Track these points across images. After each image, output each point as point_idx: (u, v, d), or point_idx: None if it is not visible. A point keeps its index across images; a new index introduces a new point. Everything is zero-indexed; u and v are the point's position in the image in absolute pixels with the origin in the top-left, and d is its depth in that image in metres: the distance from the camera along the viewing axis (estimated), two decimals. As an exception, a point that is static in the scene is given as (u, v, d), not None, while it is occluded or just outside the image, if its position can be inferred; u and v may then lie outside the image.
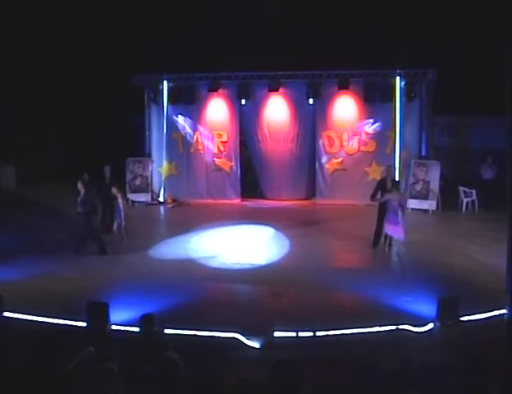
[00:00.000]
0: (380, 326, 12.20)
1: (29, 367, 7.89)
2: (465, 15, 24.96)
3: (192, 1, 27.24)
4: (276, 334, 11.99)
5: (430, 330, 12.34)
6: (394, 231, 17.76)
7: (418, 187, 24.32)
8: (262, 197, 27.45)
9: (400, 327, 12.28)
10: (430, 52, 24.29)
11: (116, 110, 28.48)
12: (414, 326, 12.34)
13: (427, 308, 12.96)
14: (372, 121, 25.46)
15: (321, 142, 25.97)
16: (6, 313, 12.56)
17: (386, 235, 18.37)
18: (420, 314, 12.87)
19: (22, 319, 12.81)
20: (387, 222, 17.93)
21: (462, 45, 25.01)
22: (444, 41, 25.00)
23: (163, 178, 27.28)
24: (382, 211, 18.39)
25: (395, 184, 19.01)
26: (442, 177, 24.27)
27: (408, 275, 16.43)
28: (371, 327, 12.16)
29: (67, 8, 26.12)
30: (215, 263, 17.50)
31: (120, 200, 18.50)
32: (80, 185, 18.16)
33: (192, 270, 16.83)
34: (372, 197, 18.81)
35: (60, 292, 14.59)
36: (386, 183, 18.84)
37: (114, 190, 18.66)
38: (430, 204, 24.01)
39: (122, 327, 12.35)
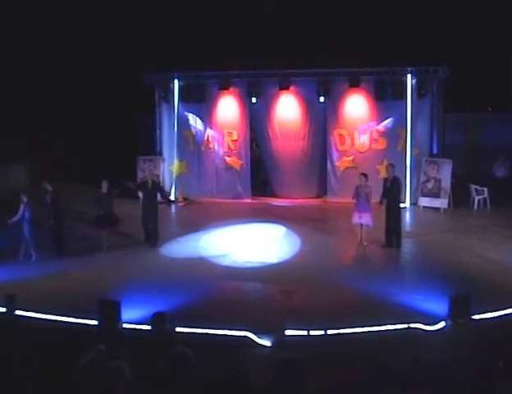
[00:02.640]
0: (391, 324, 12.17)
1: (40, 365, 7.91)
2: (476, 12, 24.93)
3: (202, 0, 27.30)
4: (288, 332, 11.98)
5: (441, 328, 12.30)
6: (365, 218, 18.40)
7: (430, 185, 24.26)
8: (273, 195, 27.39)
9: (412, 325, 12.25)
10: (441, 50, 24.23)
11: (126, 109, 28.52)
12: (426, 324, 12.30)
13: (438, 306, 12.90)
14: (383, 118, 25.40)
15: (332, 140, 25.94)
16: (18, 312, 12.58)
17: (361, 229, 18.75)
18: (431, 313, 12.82)
19: (34, 318, 12.86)
20: (359, 212, 18.44)
21: (473, 42, 24.95)
22: (455, 38, 24.95)
23: (174, 177, 27.32)
24: (390, 210, 18.41)
25: (394, 182, 18.77)
26: (453, 175, 24.18)
27: (419, 273, 16.42)
28: (382, 325, 12.14)
29: (80, 8, 26.29)
30: (226, 262, 17.51)
31: (22, 207, 17.71)
32: (47, 185, 18.15)
33: (203, 268, 16.85)
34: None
35: (71, 291, 14.64)
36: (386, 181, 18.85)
37: (22, 196, 17.82)
38: (441, 202, 23.94)
39: (134, 326, 12.37)
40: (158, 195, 19.92)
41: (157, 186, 20.19)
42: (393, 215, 18.53)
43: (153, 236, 19.19)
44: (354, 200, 18.56)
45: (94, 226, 18.85)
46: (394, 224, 18.57)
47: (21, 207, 17.73)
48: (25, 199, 17.77)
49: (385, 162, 24.37)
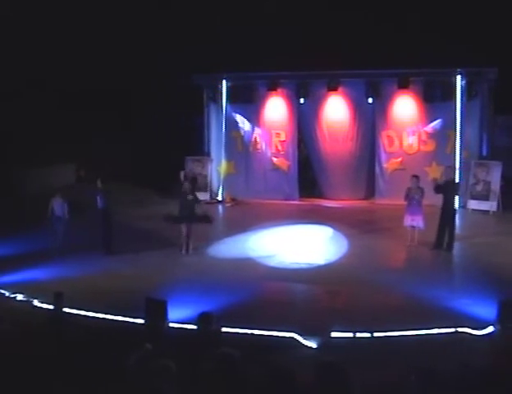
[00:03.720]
0: (439, 328, 12.05)
1: (87, 362, 8.00)
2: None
3: (250, 1, 27.37)
4: (333, 334, 11.95)
5: (490, 333, 12.14)
6: (418, 220, 18.37)
7: (479, 188, 23.98)
8: (321, 196, 27.34)
9: (460, 329, 12.11)
10: (491, 51, 23.93)
11: (174, 109, 28.70)
12: (474, 329, 12.15)
13: (486, 310, 12.72)
14: (431, 120, 25.18)
15: (380, 141, 25.81)
16: (65, 309, 12.74)
17: (412, 232, 18.71)
18: (480, 317, 12.65)
19: (81, 315, 13.02)
20: (411, 215, 18.44)
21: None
22: (506, 39, 24.63)
23: (222, 177, 27.41)
24: (445, 213, 18.20)
25: (451, 184, 18.58)
26: (502, 178, 23.85)
27: (468, 276, 16.23)
28: (429, 328, 12.03)
29: (129, 11, 26.59)
30: (273, 263, 17.52)
31: (52, 202, 18.23)
32: (99, 184, 18.42)
33: (250, 269, 16.87)
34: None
35: (118, 289, 14.80)
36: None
37: (58, 196, 18.40)
38: (491, 205, 23.64)
39: (180, 325, 12.44)
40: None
41: (193, 187, 19.99)
42: (448, 218, 18.32)
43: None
44: (406, 202, 18.45)
45: (174, 221, 18.81)
46: (448, 227, 18.38)
47: (51, 202, 18.10)
48: (56, 196, 18.16)
49: (434, 165, 24.23)
